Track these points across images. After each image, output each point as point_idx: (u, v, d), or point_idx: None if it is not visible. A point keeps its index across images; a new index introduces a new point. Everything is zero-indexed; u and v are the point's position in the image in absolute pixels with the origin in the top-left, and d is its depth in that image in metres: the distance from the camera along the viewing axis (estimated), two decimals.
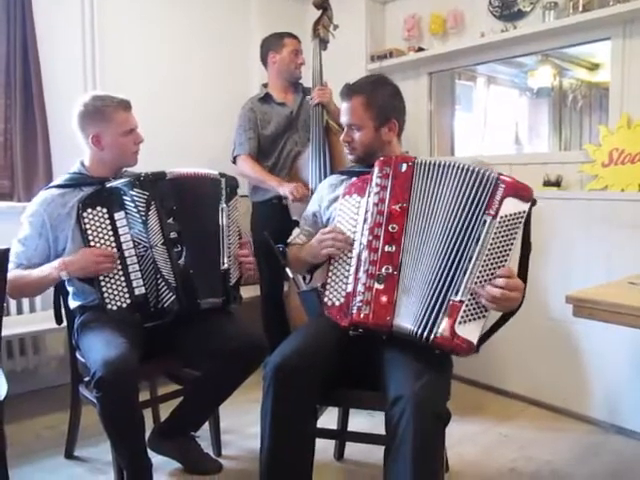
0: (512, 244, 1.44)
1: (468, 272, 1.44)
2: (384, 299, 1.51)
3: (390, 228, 1.54)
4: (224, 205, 1.93)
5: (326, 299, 1.61)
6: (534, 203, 1.48)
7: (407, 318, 1.49)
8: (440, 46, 3.06)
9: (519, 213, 1.45)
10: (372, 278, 1.53)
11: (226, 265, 1.91)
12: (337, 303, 1.59)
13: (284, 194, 2.60)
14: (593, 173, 2.45)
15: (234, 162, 2.83)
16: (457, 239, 1.48)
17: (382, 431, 1.46)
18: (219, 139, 3.11)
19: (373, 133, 1.75)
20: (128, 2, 3.02)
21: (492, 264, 1.44)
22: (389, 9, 3.36)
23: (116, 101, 1.89)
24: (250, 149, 2.77)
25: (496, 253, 1.44)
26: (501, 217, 1.44)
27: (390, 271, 1.52)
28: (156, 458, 1.88)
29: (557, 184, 2.58)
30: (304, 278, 1.85)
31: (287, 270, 1.82)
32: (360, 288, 1.54)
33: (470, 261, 1.44)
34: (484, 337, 1.50)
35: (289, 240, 1.90)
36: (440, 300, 1.46)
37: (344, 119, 1.78)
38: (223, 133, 3.06)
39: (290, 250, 1.86)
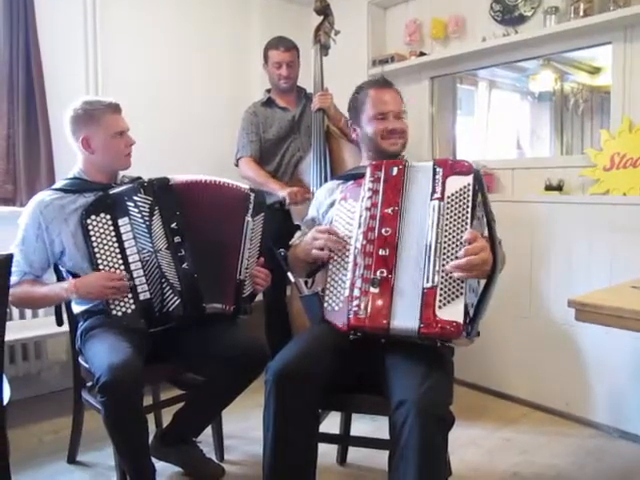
0: (467, 217, 1.48)
1: (432, 257, 1.47)
2: (380, 302, 1.51)
3: (383, 232, 1.56)
4: (249, 219, 1.94)
5: (325, 304, 1.62)
6: (477, 173, 1.52)
7: (403, 319, 1.48)
8: (442, 51, 3.07)
9: (464, 187, 1.51)
10: (367, 282, 1.53)
11: (242, 276, 1.91)
12: (336, 308, 1.59)
13: (283, 197, 2.61)
14: (595, 177, 2.45)
15: (237, 165, 2.85)
16: (424, 232, 1.51)
17: (385, 435, 1.47)
18: (222, 143, 3.12)
19: None
20: (130, 8, 3.03)
21: (453, 243, 1.47)
22: (390, 14, 3.37)
23: (105, 104, 1.90)
24: (252, 151, 2.79)
25: (454, 231, 1.48)
26: (448, 197, 1.50)
27: (385, 274, 1.53)
28: (159, 463, 1.88)
29: (559, 188, 2.58)
30: (306, 283, 1.85)
31: (289, 275, 1.83)
32: (356, 292, 1.54)
33: (431, 247, 1.48)
34: (475, 314, 1.48)
35: (291, 242, 1.91)
36: (418, 292, 1.47)
37: (391, 106, 1.82)
38: (226, 137, 3.07)
39: (290, 251, 1.87)
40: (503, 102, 3.94)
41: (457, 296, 1.45)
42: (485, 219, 1.54)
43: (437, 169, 1.54)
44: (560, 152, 3.59)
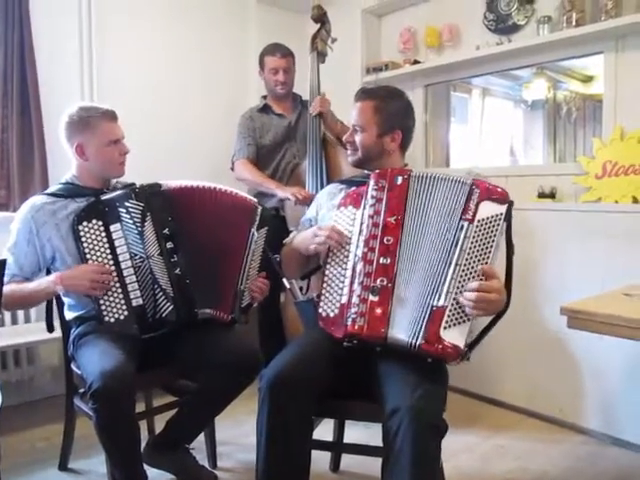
0: (492, 246, 1.47)
1: (449, 277, 1.47)
2: (378, 311, 1.51)
3: (385, 240, 1.55)
4: (254, 230, 1.93)
5: (320, 310, 1.62)
6: (511, 204, 1.51)
7: (401, 329, 1.49)
8: (436, 59, 3.09)
9: (496, 216, 1.49)
10: (367, 290, 1.53)
11: (242, 286, 1.91)
12: (331, 314, 1.59)
13: (284, 197, 2.61)
14: (587, 185, 2.47)
15: (232, 169, 2.85)
16: (441, 248, 1.51)
17: (378, 442, 1.46)
18: (218, 149, 3.12)
19: (375, 138, 1.76)
20: (126, 12, 3.03)
21: (472, 268, 1.46)
22: (385, 22, 3.39)
23: (101, 111, 1.89)
24: (249, 154, 2.80)
25: (476, 257, 1.47)
26: (478, 221, 1.48)
27: (385, 283, 1.53)
28: (151, 471, 1.86)
29: (551, 196, 2.60)
30: (301, 289, 1.85)
31: (284, 281, 1.83)
32: (355, 300, 1.54)
33: (450, 266, 1.47)
34: (475, 341, 1.51)
35: (285, 241, 1.90)
36: (425, 307, 1.48)
37: (352, 120, 1.80)
38: (222, 143, 3.08)
39: (284, 249, 1.87)
40: (496, 110, 3.97)
41: (464, 321, 1.46)
42: (505, 250, 1.54)
43: (474, 189, 1.51)
44: (553, 160, 3.62)
